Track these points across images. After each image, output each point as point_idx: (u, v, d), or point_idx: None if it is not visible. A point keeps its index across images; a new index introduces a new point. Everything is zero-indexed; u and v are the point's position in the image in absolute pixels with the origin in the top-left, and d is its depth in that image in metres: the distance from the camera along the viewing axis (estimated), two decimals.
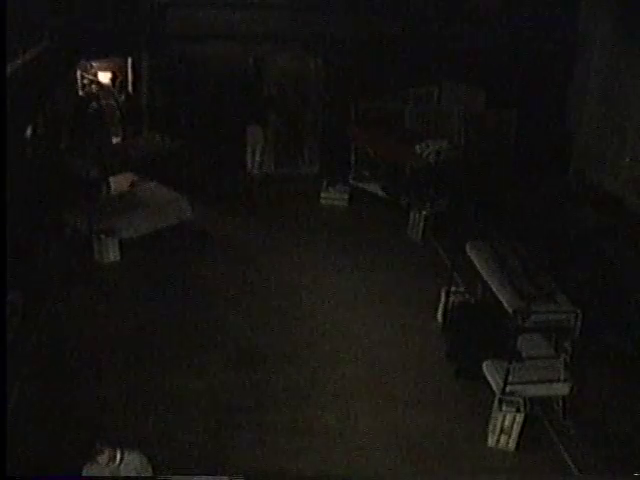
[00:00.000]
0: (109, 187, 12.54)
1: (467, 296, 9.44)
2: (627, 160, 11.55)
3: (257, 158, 15.25)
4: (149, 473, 5.85)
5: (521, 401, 7.74)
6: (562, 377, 7.91)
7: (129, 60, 15.60)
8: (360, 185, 14.00)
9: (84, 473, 5.71)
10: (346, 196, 13.92)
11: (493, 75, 13.82)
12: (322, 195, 13.97)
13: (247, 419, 7.95)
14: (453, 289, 9.60)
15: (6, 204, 7.75)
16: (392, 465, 7.43)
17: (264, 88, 15.14)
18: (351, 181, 14.13)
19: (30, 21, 9.99)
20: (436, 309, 9.94)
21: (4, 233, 7.53)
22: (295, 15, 14.52)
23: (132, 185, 12.82)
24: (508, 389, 7.76)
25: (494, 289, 8.17)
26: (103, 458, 5.62)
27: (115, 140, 15.42)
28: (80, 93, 14.82)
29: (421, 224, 12.59)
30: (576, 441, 7.86)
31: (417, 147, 12.96)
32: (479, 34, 14.08)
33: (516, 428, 7.63)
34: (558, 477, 7.55)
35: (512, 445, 7.70)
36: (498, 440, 7.71)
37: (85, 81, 15.16)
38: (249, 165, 15.30)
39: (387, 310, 10.27)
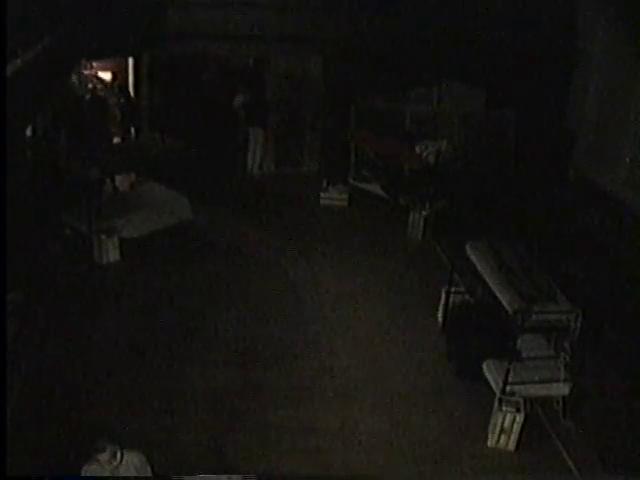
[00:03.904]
0: (114, 187, 12.54)
1: (467, 296, 9.44)
2: (627, 160, 11.54)
3: (257, 158, 15.25)
4: (148, 473, 5.85)
5: (521, 401, 7.74)
6: (562, 377, 7.91)
7: (129, 60, 15.60)
8: (360, 185, 13.99)
9: (83, 472, 5.71)
10: (346, 196, 13.92)
11: (493, 75, 13.81)
12: (322, 195, 13.97)
13: (247, 419, 7.95)
14: (453, 289, 9.60)
15: (6, 204, 7.74)
16: (392, 465, 7.43)
17: (264, 88, 15.14)
18: (351, 181, 14.13)
19: (30, 21, 9.97)
20: (436, 309, 9.94)
21: (4, 233, 7.52)
22: (295, 15, 14.50)
23: (132, 185, 12.83)
24: (508, 389, 7.76)
25: (494, 289, 8.17)
26: (105, 456, 5.62)
27: (115, 140, 15.42)
28: (81, 93, 14.81)
29: (421, 224, 12.59)
30: (576, 441, 7.86)
31: (417, 147, 12.95)
32: (479, 34, 14.07)
33: (516, 428, 7.63)
34: (558, 477, 7.54)
35: (512, 445, 7.69)
36: (498, 440, 7.71)
37: (87, 81, 15.16)
38: (249, 165, 15.30)
39: (387, 310, 10.27)
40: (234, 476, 6.17)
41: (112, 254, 11.19)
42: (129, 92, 15.74)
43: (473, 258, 8.92)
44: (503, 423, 7.64)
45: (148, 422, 7.75)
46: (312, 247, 12.07)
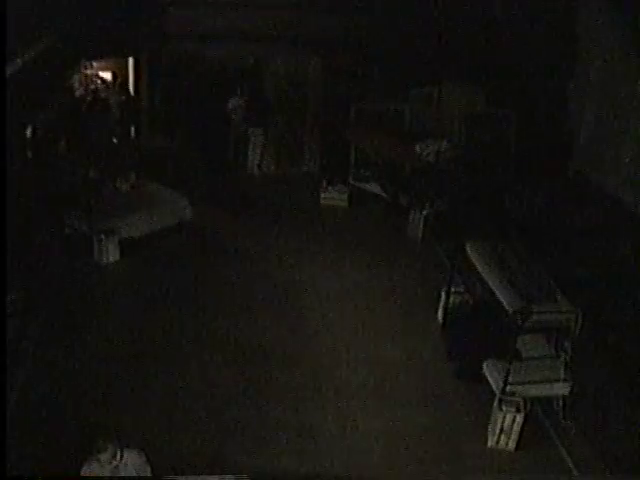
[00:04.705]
0: (114, 187, 12.54)
1: (467, 296, 9.43)
2: (627, 160, 11.54)
3: (257, 158, 15.25)
4: (148, 473, 5.85)
5: (521, 401, 7.75)
6: (562, 377, 7.91)
7: (129, 60, 15.59)
8: (360, 185, 13.98)
9: (83, 472, 5.71)
10: (346, 196, 13.91)
11: (493, 75, 13.82)
12: (322, 195, 13.96)
13: (247, 419, 7.95)
14: (453, 289, 9.60)
15: (6, 204, 7.75)
16: (392, 465, 7.43)
17: (264, 88, 15.15)
18: (351, 181, 14.12)
19: (30, 21, 9.98)
20: (436, 309, 9.94)
21: (4, 233, 7.53)
22: (295, 15, 14.50)
23: (132, 185, 12.83)
24: (508, 389, 7.76)
25: (494, 289, 8.17)
26: (106, 456, 5.63)
27: (115, 140, 15.40)
28: (81, 93, 14.81)
29: (421, 224, 12.58)
30: (576, 441, 7.86)
31: (417, 147, 12.95)
32: (479, 34, 14.08)
33: (516, 428, 7.64)
34: (558, 477, 7.55)
35: (512, 445, 7.70)
36: (498, 440, 7.72)
37: (87, 81, 15.16)
38: (249, 165, 15.30)
39: (387, 310, 10.27)
40: (227, 476, 6.18)
41: (112, 254, 11.19)
42: (129, 92, 15.72)
43: (473, 258, 8.91)
44: (503, 423, 7.64)
45: (148, 422, 7.75)
46: (312, 247, 12.07)
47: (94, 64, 14.82)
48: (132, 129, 15.65)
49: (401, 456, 7.56)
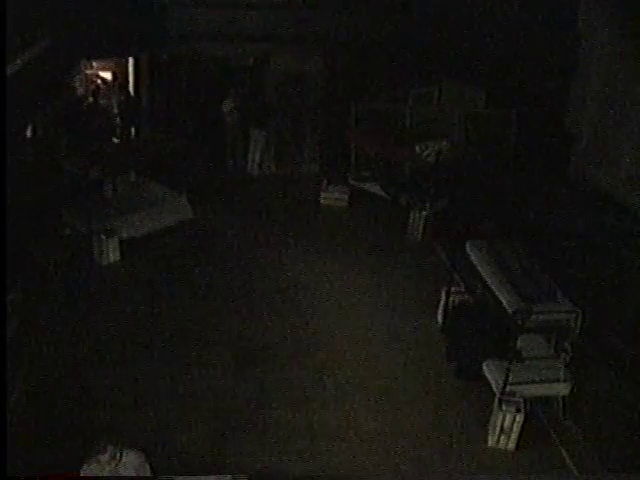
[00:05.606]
0: (114, 187, 12.55)
1: (467, 296, 9.43)
2: (627, 160, 11.55)
3: (257, 158, 15.26)
4: (147, 472, 5.86)
5: (521, 401, 7.74)
6: (562, 377, 7.91)
7: (129, 60, 15.60)
8: (360, 185, 13.98)
9: (83, 472, 5.71)
10: (346, 196, 13.92)
11: (493, 75, 13.82)
12: (322, 195, 13.97)
13: (248, 419, 7.95)
14: (453, 289, 9.60)
15: (6, 204, 7.75)
16: (392, 465, 7.43)
17: (264, 88, 15.15)
18: (351, 181, 14.13)
19: (30, 21, 9.98)
20: (436, 309, 9.94)
21: (4, 233, 7.52)
22: (295, 15, 14.50)
23: (132, 185, 12.83)
24: (508, 389, 7.76)
25: (494, 289, 8.18)
26: (105, 457, 5.63)
27: (115, 140, 15.41)
28: (82, 93, 14.82)
29: (421, 224, 12.59)
30: (576, 441, 7.86)
31: (417, 147, 12.95)
32: (479, 34, 14.08)
33: (516, 428, 7.63)
34: (558, 477, 7.55)
35: (512, 445, 7.70)
36: (498, 440, 7.71)
37: (88, 81, 15.17)
38: (249, 165, 15.31)
39: (387, 310, 10.27)
40: (226, 476, 6.18)
41: (112, 254, 11.19)
42: (129, 92, 15.73)
43: (473, 258, 8.91)
44: (503, 423, 7.64)
45: (148, 422, 7.75)
46: (312, 247, 12.07)
47: (94, 64, 14.84)
48: (132, 129, 15.65)
49: (401, 456, 7.56)
